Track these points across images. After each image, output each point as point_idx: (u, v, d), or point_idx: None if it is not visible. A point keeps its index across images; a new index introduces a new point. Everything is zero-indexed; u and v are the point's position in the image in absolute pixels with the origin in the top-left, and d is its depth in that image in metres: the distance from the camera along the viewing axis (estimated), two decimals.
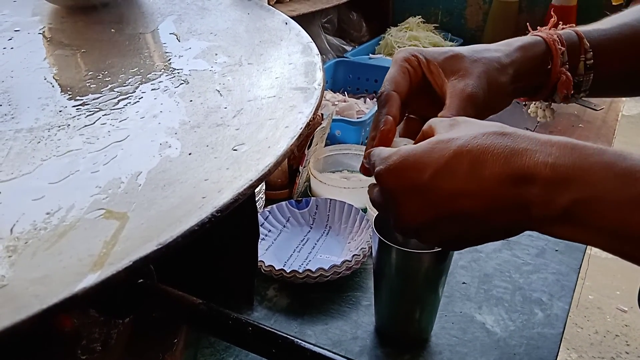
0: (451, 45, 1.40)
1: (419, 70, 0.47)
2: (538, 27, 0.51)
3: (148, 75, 0.52)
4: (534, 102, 0.53)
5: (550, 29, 0.50)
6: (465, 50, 0.47)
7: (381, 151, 0.41)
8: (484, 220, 0.36)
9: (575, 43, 0.48)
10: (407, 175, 0.37)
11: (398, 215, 0.39)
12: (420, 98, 0.48)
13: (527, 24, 0.55)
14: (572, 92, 0.49)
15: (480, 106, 0.44)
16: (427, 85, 0.48)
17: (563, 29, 0.50)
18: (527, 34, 0.51)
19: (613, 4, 1.00)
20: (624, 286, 2.06)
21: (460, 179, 0.35)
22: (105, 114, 0.45)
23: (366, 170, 0.45)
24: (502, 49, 0.47)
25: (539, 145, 0.35)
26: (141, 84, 0.50)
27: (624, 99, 1.28)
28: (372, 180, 0.43)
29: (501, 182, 0.34)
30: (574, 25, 0.51)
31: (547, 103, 0.56)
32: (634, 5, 0.72)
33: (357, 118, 1.03)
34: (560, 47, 0.48)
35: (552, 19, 0.52)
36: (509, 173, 0.34)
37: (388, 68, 0.50)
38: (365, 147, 0.48)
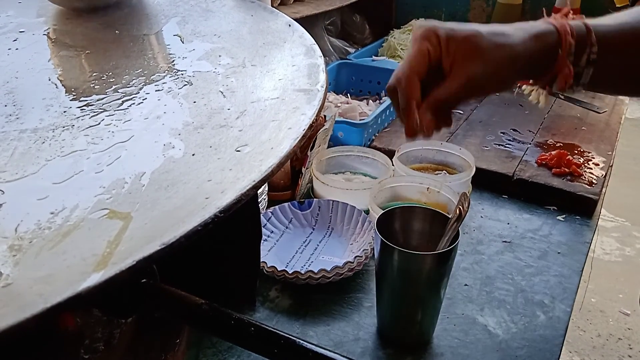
0: None
1: (437, 49, 0.48)
2: (552, 15, 0.52)
3: (152, 77, 0.52)
4: (534, 88, 0.54)
5: (562, 18, 0.51)
6: (485, 31, 0.48)
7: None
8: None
9: (583, 36, 0.49)
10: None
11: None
12: (435, 75, 0.49)
13: (544, 9, 0.56)
14: (571, 83, 0.50)
15: (477, 89, 0.48)
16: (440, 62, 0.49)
17: (573, 19, 0.51)
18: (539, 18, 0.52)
19: (617, 5, 1.00)
20: (627, 289, 2.05)
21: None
22: (109, 115, 0.45)
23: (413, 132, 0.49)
24: (519, 35, 0.48)
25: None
26: (145, 85, 0.50)
27: (626, 101, 1.28)
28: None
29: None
30: (584, 16, 0.51)
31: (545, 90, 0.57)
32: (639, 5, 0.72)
33: (360, 120, 1.03)
34: (570, 39, 0.48)
35: (567, 8, 0.53)
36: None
37: (391, 70, 0.50)
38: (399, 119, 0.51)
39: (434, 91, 0.48)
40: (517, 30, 0.49)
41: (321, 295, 0.69)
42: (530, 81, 0.54)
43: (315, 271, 0.67)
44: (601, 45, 0.49)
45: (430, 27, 0.48)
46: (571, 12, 0.52)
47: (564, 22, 0.49)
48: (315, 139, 0.84)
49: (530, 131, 1.09)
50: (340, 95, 1.21)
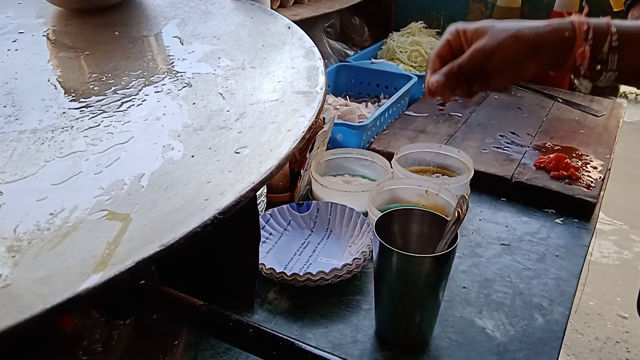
0: None
1: (458, 40, 0.60)
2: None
3: (151, 78, 0.52)
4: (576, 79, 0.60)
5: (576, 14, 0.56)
6: (498, 22, 0.58)
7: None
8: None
9: (603, 26, 0.54)
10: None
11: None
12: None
13: (563, 11, 0.61)
14: (594, 66, 0.55)
15: (485, 59, 0.56)
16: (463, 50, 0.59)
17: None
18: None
19: (614, 10, 1.00)
20: (625, 292, 2.06)
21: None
22: (108, 116, 0.45)
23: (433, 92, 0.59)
24: (529, 24, 0.57)
25: None
26: (144, 86, 0.51)
27: (624, 104, 1.28)
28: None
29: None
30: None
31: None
32: (633, 11, 0.72)
33: (359, 122, 1.03)
34: (584, 26, 0.54)
35: (585, 9, 0.59)
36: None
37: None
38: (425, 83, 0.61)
39: None
40: (531, 22, 0.57)
41: (319, 297, 0.69)
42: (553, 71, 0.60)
43: (314, 273, 0.67)
44: (623, 35, 0.54)
45: (454, 26, 0.61)
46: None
47: (581, 16, 0.55)
48: (314, 141, 0.85)
49: (528, 134, 1.09)
50: (339, 97, 1.21)
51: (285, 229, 0.80)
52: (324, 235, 0.79)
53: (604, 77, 0.55)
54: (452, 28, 0.60)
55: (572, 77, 0.59)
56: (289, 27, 0.60)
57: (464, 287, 0.71)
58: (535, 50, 0.55)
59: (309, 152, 0.85)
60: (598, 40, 0.54)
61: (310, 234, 0.80)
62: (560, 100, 1.26)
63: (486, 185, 0.93)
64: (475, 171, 0.85)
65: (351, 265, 0.68)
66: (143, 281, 0.44)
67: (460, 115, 1.18)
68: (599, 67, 0.54)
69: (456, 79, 0.58)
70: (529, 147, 1.03)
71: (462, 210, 0.57)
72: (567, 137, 1.09)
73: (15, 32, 0.63)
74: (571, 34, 0.54)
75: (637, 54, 0.55)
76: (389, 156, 0.88)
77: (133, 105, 0.47)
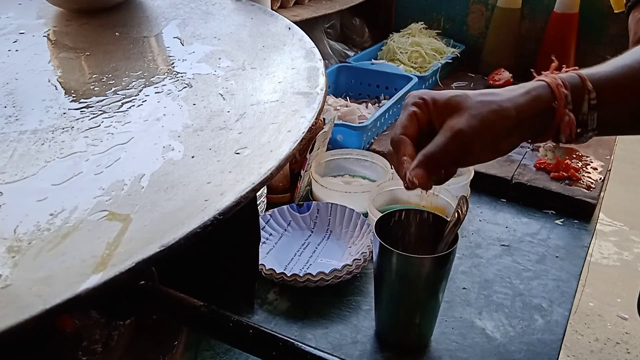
0: (453, 51, 1.41)
1: (425, 112, 0.50)
2: (542, 72, 0.51)
3: (152, 79, 0.52)
4: (542, 145, 0.54)
5: (552, 73, 0.51)
6: (471, 92, 0.49)
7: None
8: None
9: (579, 84, 0.49)
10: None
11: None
12: (430, 137, 0.50)
13: (532, 70, 0.54)
14: (576, 131, 0.50)
15: (466, 144, 0.47)
16: (433, 126, 0.50)
17: (566, 72, 0.51)
18: (532, 76, 0.52)
19: (614, 11, 1.00)
20: (625, 293, 2.06)
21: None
22: (108, 117, 0.45)
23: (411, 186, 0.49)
24: (506, 93, 0.49)
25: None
26: (145, 87, 0.51)
27: None
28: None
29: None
30: (577, 68, 0.51)
31: (554, 144, 0.57)
32: (634, 12, 0.72)
33: (359, 123, 1.03)
34: (563, 90, 0.48)
35: (554, 64, 0.53)
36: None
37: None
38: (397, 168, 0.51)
39: (424, 148, 0.49)
40: (506, 90, 0.50)
41: (319, 298, 0.69)
42: (529, 142, 0.53)
43: (314, 274, 0.67)
44: (600, 91, 0.49)
45: (417, 93, 0.50)
46: (564, 66, 0.52)
47: (554, 76, 0.50)
48: (315, 141, 0.85)
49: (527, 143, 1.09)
50: (340, 98, 1.21)
51: (285, 230, 0.80)
52: (324, 236, 0.80)
53: (584, 137, 0.51)
54: (415, 97, 0.50)
55: (539, 144, 0.54)
56: (290, 28, 0.60)
57: (464, 288, 0.71)
58: (518, 125, 0.48)
59: (309, 153, 0.85)
60: (576, 102, 0.49)
61: (310, 235, 0.80)
62: None
63: (486, 186, 0.93)
64: (475, 172, 0.85)
65: (351, 266, 0.68)
66: (143, 281, 0.44)
67: None
68: (579, 130, 0.50)
69: (435, 167, 0.49)
70: (529, 148, 1.03)
71: (462, 211, 0.57)
72: None
73: (16, 33, 0.63)
74: (552, 100, 0.48)
75: (616, 107, 0.50)
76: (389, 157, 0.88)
77: (133, 105, 0.47)
